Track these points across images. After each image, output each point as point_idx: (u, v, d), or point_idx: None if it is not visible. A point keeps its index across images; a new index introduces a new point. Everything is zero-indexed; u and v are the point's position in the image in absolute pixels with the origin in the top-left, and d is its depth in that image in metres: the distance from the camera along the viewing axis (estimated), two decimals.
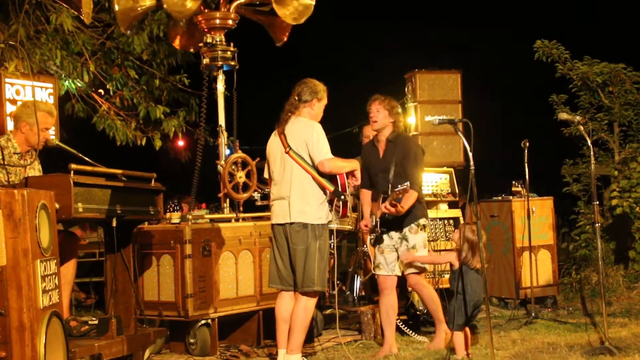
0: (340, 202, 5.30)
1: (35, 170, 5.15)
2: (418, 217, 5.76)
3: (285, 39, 7.13)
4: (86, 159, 4.83)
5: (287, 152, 5.25)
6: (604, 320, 5.74)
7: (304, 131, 5.27)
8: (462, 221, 7.59)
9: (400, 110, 5.89)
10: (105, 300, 5.27)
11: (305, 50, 13.28)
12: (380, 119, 5.78)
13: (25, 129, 5.09)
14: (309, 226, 5.18)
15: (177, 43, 7.28)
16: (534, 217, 7.55)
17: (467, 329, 5.41)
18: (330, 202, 5.30)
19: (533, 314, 6.93)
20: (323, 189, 5.25)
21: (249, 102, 9.54)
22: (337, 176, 5.29)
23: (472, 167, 4.74)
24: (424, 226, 5.82)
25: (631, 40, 14.34)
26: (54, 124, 5.16)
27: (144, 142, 9.54)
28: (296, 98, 5.37)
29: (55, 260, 3.91)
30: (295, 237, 5.19)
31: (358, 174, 5.41)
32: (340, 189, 5.28)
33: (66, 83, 8.71)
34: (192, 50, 7.35)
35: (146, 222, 6.04)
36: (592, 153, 6.07)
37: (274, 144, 5.40)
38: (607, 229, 9.00)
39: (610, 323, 6.32)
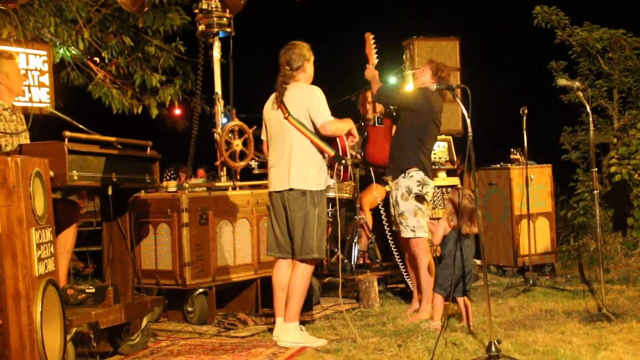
0: (342, 166, 5.27)
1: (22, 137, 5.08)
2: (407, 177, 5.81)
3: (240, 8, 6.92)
4: (81, 126, 4.76)
5: (286, 118, 5.19)
6: (602, 287, 5.74)
7: (305, 97, 5.22)
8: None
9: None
10: (103, 269, 5.26)
11: (302, 16, 13.16)
12: None
13: (2, 79, 4.93)
14: (307, 193, 5.15)
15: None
16: (532, 184, 7.53)
17: (466, 299, 5.35)
18: (331, 167, 5.27)
19: (531, 282, 6.94)
20: (323, 153, 5.21)
21: (246, 69, 9.45)
22: (337, 140, 5.26)
23: (470, 134, 4.69)
24: (418, 195, 5.77)
25: (631, 5, 14.21)
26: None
27: (140, 111, 9.50)
28: (287, 67, 5.30)
29: (50, 229, 3.88)
30: (294, 204, 5.15)
31: (355, 131, 5.40)
32: (340, 153, 5.25)
33: (61, 51, 8.63)
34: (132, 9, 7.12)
35: (143, 191, 6.01)
36: (591, 120, 6.03)
37: (271, 110, 5.34)
38: (605, 196, 8.99)
39: (608, 290, 6.33)
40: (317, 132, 5.19)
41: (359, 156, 6.89)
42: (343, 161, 5.27)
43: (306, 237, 5.15)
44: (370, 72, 6.09)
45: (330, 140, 5.23)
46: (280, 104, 5.25)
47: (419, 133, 5.86)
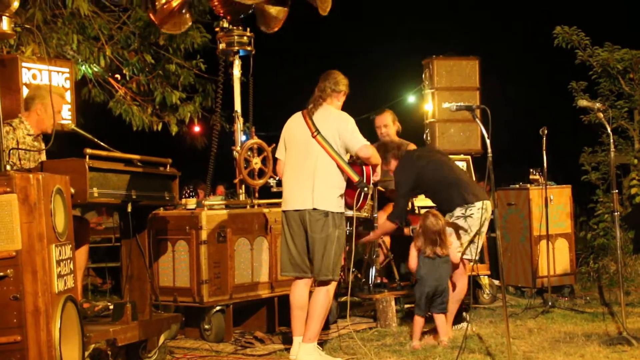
0: (363, 193, 5.28)
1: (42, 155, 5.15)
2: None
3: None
4: (102, 143, 4.81)
5: (314, 137, 5.19)
6: (622, 309, 5.68)
7: (337, 120, 5.25)
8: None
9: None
10: (121, 286, 5.28)
11: (322, 34, 13.22)
12: None
13: (40, 110, 5.09)
14: (329, 214, 5.14)
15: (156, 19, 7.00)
16: (551, 205, 7.48)
17: (442, 316, 5.58)
18: (348, 194, 5.29)
19: (550, 303, 6.88)
20: (347, 178, 5.22)
21: (266, 88, 9.50)
22: (364, 167, 5.28)
23: (490, 155, 4.68)
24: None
25: None
26: (61, 107, 5.19)
27: (160, 128, 9.55)
28: (330, 86, 5.34)
29: (70, 245, 3.91)
30: (316, 225, 5.13)
31: (379, 169, 5.48)
32: (364, 180, 5.26)
33: (83, 68, 8.71)
34: (170, 30, 7.18)
35: (162, 208, 6.03)
36: (611, 140, 6.00)
37: (297, 126, 5.32)
38: (625, 217, 8.91)
39: (629, 313, 6.26)
40: (344, 157, 5.21)
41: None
42: (365, 189, 5.29)
43: (326, 258, 5.14)
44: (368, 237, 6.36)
45: (356, 169, 5.26)
46: (309, 118, 5.26)
47: (428, 188, 6.03)
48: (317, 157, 5.17)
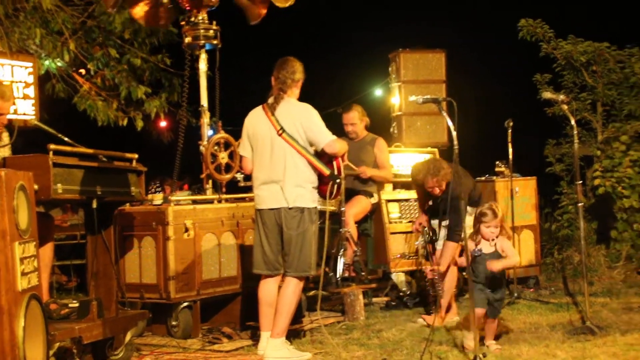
0: (335, 185, 5.28)
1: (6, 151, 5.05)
2: None
3: (261, 17, 6.97)
4: (66, 139, 4.74)
5: (279, 135, 5.17)
6: (586, 300, 5.77)
7: (300, 114, 5.20)
8: None
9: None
10: (87, 283, 5.23)
11: (288, 28, 13.19)
12: None
13: None
14: (305, 210, 5.14)
15: (138, 15, 6.98)
16: (517, 197, 7.55)
17: (492, 319, 5.13)
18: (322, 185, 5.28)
19: (515, 294, 6.96)
20: (317, 172, 5.21)
21: (232, 82, 9.46)
22: (334, 159, 5.27)
23: (456, 147, 4.71)
24: None
25: (615, 19, 14.34)
26: (7, 110, 4.93)
27: (125, 123, 9.47)
28: (290, 76, 5.27)
29: (34, 243, 3.86)
30: (292, 221, 5.12)
31: (346, 156, 5.44)
32: (335, 172, 5.26)
33: (46, 62, 8.61)
34: (159, 24, 7.14)
35: (128, 204, 5.98)
36: (575, 132, 6.07)
37: (259, 123, 5.26)
38: (589, 209, 9.03)
39: (592, 303, 6.35)
40: (311, 151, 5.20)
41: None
42: (338, 180, 5.28)
43: (304, 254, 5.14)
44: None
45: (324, 159, 5.24)
46: (271, 115, 5.23)
47: None
48: (285, 155, 5.15)
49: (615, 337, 5.23)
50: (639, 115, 8.96)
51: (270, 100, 5.27)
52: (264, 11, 6.90)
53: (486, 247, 5.05)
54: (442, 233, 6.08)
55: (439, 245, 6.14)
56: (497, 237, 5.04)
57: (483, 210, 5.08)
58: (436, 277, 5.88)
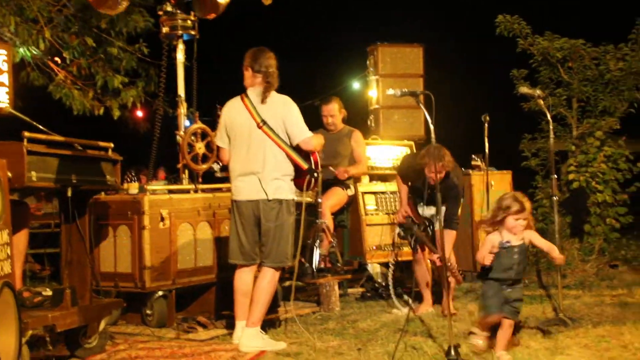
0: (313, 179, 5.29)
1: None
2: None
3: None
4: (40, 127, 4.70)
5: (260, 127, 5.16)
6: (559, 292, 5.83)
7: (282, 109, 5.21)
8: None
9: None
10: (61, 272, 5.20)
11: (266, 20, 13.16)
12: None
13: None
14: (284, 202, 5.16)
15: None
16: (492, 190, 7.61)
17: (510, 322, 4.68)
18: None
19: None
20: (296, 166, 5.21)
21: (210, 72, 9.43)
22: (311, 154, 5.28)
23: (433, 139, 4.74)
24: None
25: (591, 17, 14.47)
26: None
27: (101, 112, 9.38)
28: (271, 67, 5.23)
29: (7, 230, 3.83)
30: (271, 213, 5.14)
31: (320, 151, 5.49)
32: (313, 166, 5.27)
33: (21, 50, 8.49)
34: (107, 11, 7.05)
35: (103, 193, 5.95)
36: (551, 127, 6.12)
37: (238, 114, 5.24)
38: (563, 203, 9.10)
39: (565, 295, 6.41)
40: (290, 144, 5.19)
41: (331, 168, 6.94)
42: (315, 174, 5.30)
43: (281, 245, 5.16)
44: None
45: (302, 152, 5.25)
46: (252, 110, 5.20)
47: None
48: (264, 148, 5.15)
49: (587, 328, 5.29)
50: (614, 112, 9.04)
51: (256, 92, 5.23)
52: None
53: (513, 240, 4.64)
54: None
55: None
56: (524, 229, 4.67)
57: (509, 201, 4.62)
58: (449, 264, 5.68)
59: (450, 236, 5.92)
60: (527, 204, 4.64)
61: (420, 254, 6.22)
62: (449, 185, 5.82)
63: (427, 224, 6.13)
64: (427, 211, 6.15)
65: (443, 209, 5.88)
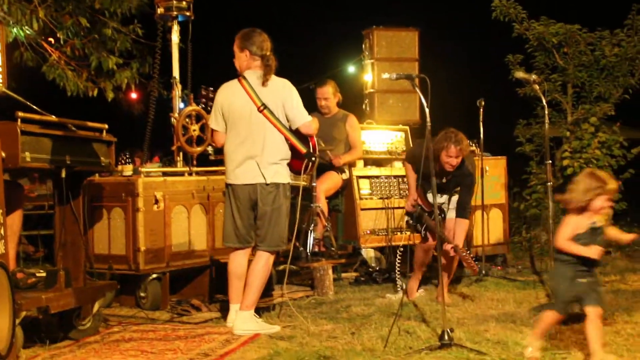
0: (311, 162, 5.28)
1: None
2: None
3: None
4: (35, 107, 4.67)
5: (260, 111, 5.13)
6: None
7: (282, 92, 5.17)
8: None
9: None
10: (54, 254, 5.18)
11: (260, 4, 13.10)
12: None
13: None
14: (280, 186, 5.16)
15: None
16: (487, 176, 7.62)
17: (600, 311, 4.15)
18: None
19: (483, 272, 7.02)
20: (294, 150, 5.20)
21: (204, 54, 9.38)
22: (309, 137, 5.27)
23: (429, 123, 4.72)
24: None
25: (586, 1, 14.44)
26: None
27: (95, 93, 9.34)
28: (268, 50, 5.18)
29: (1, 211, 3.81)
30: (268, 197, 5.13)
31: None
32: (311, 150, 5.26)
33: (14, 30, 8.43)
34: None
35: (97, 174, 5.93)
36: (546, 113, 6.12)
37: (236, 97, 5.17)
38: (557, 188, 9.07)
39: None
40: (289, 128, 5.18)
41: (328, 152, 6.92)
42: (313, 158, 5.30)
43: (278, 229, 5.17)
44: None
45: (301, 137, 5.24)
46: (252, 93, 5.17)
47: None
48: (265, 131, 5.12)
49: (579, 314, 5.30)
50: (608, 98, 9.05)
51: (256, 75, 5.18)
52: None
53: (598, 221, 4.11)
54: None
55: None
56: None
57: (596, 180, 4.06)
58: (463, 253, 5.60)
59: (463, 225, 5.86)
60: (611, 181, 4.12)
61: (430, 243, 5.99)
62: (463, 173, 5.77)
63: (438, 212, 6.01)
64: (438, 199, 6.01)
65: (455, 197, 5.89)
